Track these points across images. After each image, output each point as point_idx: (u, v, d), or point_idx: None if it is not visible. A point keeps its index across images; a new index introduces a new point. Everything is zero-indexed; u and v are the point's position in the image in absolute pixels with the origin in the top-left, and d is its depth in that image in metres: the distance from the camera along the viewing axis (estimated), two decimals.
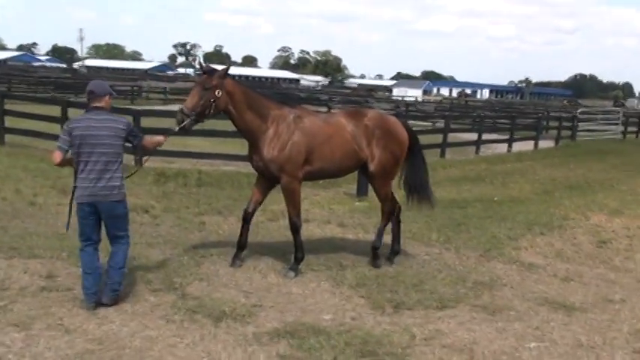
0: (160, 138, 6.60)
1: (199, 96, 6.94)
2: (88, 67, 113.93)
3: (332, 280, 7.50)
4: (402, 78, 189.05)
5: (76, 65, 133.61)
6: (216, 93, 7.01)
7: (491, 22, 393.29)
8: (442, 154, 20.74)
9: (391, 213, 8.44)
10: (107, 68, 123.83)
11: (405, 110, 37.20)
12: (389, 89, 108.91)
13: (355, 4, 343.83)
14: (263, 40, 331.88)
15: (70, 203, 6.13)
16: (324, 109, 40.96)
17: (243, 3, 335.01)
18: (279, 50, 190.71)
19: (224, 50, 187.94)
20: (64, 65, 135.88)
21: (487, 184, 16.11)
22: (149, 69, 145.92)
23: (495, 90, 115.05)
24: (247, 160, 7.84)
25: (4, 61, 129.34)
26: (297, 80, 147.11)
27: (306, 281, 7.42)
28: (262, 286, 7.15)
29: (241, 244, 7.81)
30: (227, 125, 8.88)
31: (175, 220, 10.00)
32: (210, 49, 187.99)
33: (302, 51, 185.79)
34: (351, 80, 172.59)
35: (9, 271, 6.85)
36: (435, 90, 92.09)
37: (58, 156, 5.93)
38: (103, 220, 6.03)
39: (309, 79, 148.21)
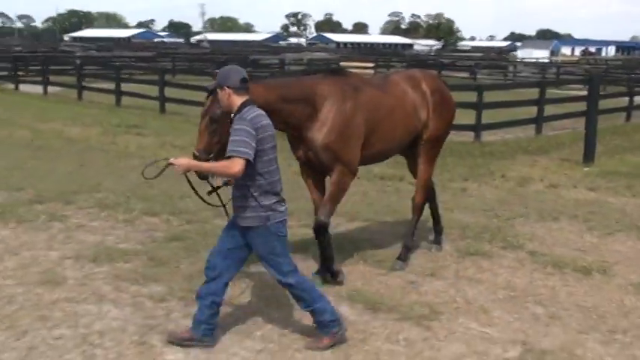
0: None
1: (210, 132, 5.08)
2: (210, 41, 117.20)
3: None
4: (515, 38, 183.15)
5: (195, 39, 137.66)
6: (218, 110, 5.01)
7: None
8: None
9: (433, 193, 7.40)
10: (225, 41, 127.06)
11: (557, 74, 36.61)
12: (504, 50, 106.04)
13: None
14: (371, 6, 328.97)
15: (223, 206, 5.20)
16: (466, 76, 41.09)
17: None
18: (389, 15, 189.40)
19: (334, 18, 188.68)
20: (182, 40, 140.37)
21: None
22: (263, 40, 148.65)
23: (621, 47, 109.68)
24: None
25: (129, 38, 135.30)
26: (411, 45, 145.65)
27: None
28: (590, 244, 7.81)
29: (326, 257, 6.16)
30: None
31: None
32: (320, 17, 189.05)
33: (413, 15, 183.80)
34: (463, 43, 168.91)
35: None
36: (562, 50, 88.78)
37: (242, 164, 4.49)
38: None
39: (422, 44, 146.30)
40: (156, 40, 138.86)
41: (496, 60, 57.60)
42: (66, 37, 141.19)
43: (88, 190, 9.30)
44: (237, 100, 4.68)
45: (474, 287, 6.22)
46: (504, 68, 44.37)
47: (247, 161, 4.47)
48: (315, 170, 6.14)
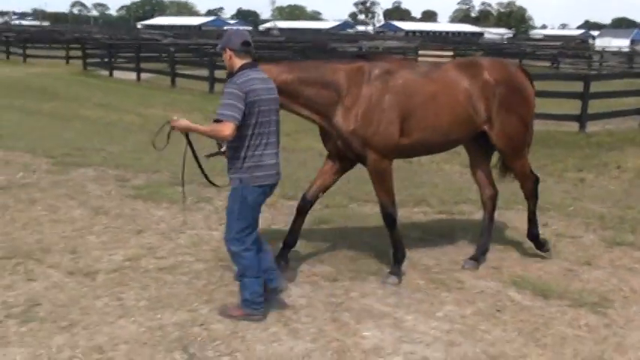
0: None
1: None
2: (281, 29, 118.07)
3: None
4: (590, 27, 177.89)
5: (264, 27, 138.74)
6: None
7: None
8: None
9: (535, 190, 6.66)
10: (293, 29, 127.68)
11: None
12: (584, 39, 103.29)
13: None
14: None
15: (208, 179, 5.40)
16: (548, 65, 40.24)
17: None
18: (458, 3, 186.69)
19: (403, 6, 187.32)
20: (250, 28, 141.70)
21: None
22: (331, 28, 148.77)
23: None
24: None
25: (199, 27, 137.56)
26: (481, 34, 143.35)
27: None
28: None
29: (290, 242, 6.12)
30: None
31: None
32: (389, 5, 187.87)
33: (483, 3, 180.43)
34: (535, 32, 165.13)
35: None
36: None
37: (231, 128, 4.65)
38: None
39: (493, 32, 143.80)
40: (225, 28, 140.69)
41: (577, 49, 56.18)
42: (139, 25, 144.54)
43: (219, 173, 9.59)
44: (238, 63, 4.84)
45: (636, 277, 6.21)
46: (588, 58, 43.17)
47: (237, 122, 4.61)
48: (345, 161, 6.00)
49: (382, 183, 5.82)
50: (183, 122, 4.82)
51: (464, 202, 8.64)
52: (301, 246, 6.50)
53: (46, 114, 16.82)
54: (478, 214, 7.32)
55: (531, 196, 6.66)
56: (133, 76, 26.86)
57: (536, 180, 6.68)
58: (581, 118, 15.54)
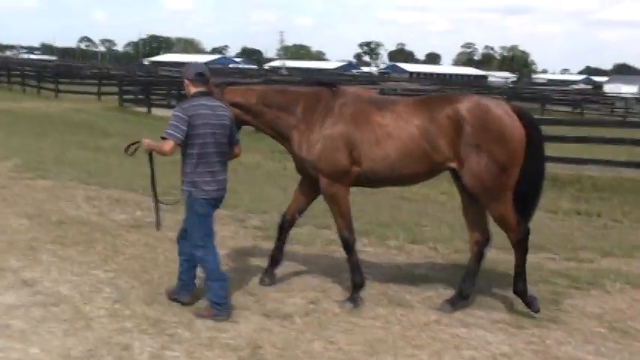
0: (238, 151, 5.92)
1: None
2: (288, 68, 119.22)
3: None
4: (591, 72, 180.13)
5: (269, 66, 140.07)
6: None
7: None
8: None
9: (523, 243, 6.09)
10: (298, 69, 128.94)
11: None
12: (597, 85, 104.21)
13: None
14: (443, 37, 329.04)
15: (156, 199, 5.90)
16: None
17: (415, 1, 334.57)
18: (462, 46, 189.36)
19: (407, 48, 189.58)
20: (255, 66, 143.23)
21: None
22: (335, 68, 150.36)
23: None
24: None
25: (206, 64, 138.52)
26: (485, 77, 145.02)
27: None
28: None
29: (275, 259, 6.62)
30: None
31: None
32: (393, 47, 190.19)
33: (486, 47, 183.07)
34: (538, 76, 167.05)
35: None
36: None
37: (170, 145, 5.33)
38: None
39: (497, 76, 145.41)
40: (231, 65, 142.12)
41: (592, 95, 56.78)
42: (145, 62, 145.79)
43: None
44: (192, 90, 5.60)
45: None
46: (611, 104, 43.62)
47: (178, 140, 5.31)
48: (310, 181, 6.29)
49: (335, 207, 6.10)
50: (145, 141, 5.54)
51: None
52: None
53: (108, 150, 16.89)
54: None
55: (516, 248, 6.10)
56: (169, 113, 26.96)
57: (524, 232, 6.06)
58: None
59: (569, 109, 42.52)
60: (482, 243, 6.26)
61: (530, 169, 5.97)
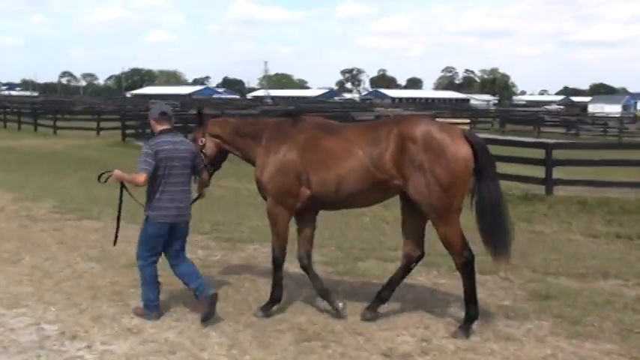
0: (205, 176, 6.79)
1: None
2: (273, 97, 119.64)
3: None
4: (569, 93, 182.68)
5: (252, 95, 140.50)
6: (200, 142, 6.88)
7: None
8: None
9: (468, 267, 6.11)
10: (282, 97, 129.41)
11: None
12: (581, 106, 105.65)
13: (507, 19, 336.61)
14: (423, 62, 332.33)
15: (119, 219, 6.75)
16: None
17: (392, 26, 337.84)
18: (442, 70, 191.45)
19: (388, 73, 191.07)
20: (238, 96, 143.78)
21: None
22: (317, 96, 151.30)
23: None
24: None
25: (190, 95, 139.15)
26: (467, 100, 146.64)
27: None
28: None
29: (322, 292, 6.76)
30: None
31: None
32: (374, 73, 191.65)
33: (467, 70, 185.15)
34: (518, 97, 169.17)
35: None
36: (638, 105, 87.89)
37: (142, 176, 6.08)
38: (171, 238, 6.38)
39: (478, 99, 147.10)
40: (214, 96, 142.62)
41: (579, 115, 57.51)
42: (127, 95, 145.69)
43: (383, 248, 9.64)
44: (157, 128, 6.36)
45: None
46: (603, 124, 44.15)
47: (149, 173, 6.06)
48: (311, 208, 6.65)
49: (274, 227, 6.58)
50: (117, 172, 6.25)
51: None
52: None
53: (131, 188, 16.67)
54: None
55: (461, 272, 6.15)
56: None
57: (468, 256, 6.08)
58: None
59: (563, 130, 43.02)
60: (412, 257, 6.50)
61: (483, 194, 6.11)
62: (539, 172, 15.47)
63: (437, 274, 8.33)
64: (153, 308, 6.39)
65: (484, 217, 6.13)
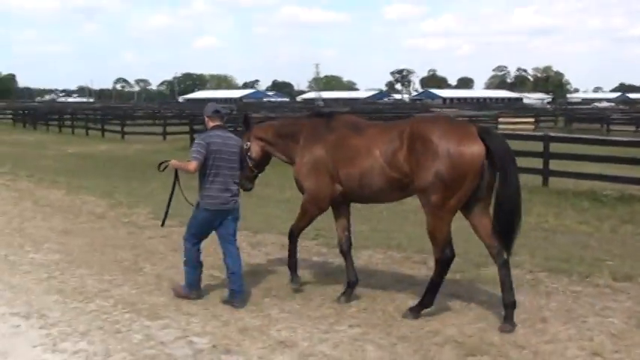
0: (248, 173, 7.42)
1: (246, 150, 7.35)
2: (324, 99, 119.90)
3: None
4: (625, 89, 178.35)
5: (302, 98, 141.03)
6: (245, 146, 7.24)
7: None
8: None
9: (444, 264, 6.37)
10: (332, 99, 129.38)
11: None
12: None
13: (555, 17, 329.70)
14: (474, 61, 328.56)
15: (169, 203, 7.42)
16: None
17: (440, 26, 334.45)
18: (494, 69, 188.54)
19: (438, 73, 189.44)
20: (288, 99, 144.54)
21: None
22: (367, 97, 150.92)
23: None
24: None
25: (241, 98, 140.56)
26: (519, 99, 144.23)
27: None
28: None
29: (351, 280, 7.14)
30: None
31: None
32: (424, 73, 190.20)
33: (519, 69, 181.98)
34: (573, 95, 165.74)
35: None
36: None
37: (194, 165, 6.69)
38: (220, 224, 6.93)
39: (532, 97, 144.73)
40: (264, 99, 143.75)
41: None
42: (180, 99, 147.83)
43: None
44: (210, 124, 6.96)
45: None
46: None
47: (200, 162, 6.64)
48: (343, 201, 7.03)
49: (302, 216, 7.07)
50: (173, 161, 7.00)
51: None
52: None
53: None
54: None
55: (436, 266, 6.41)
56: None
57: (448, 256, 6.32)
58: None
59: (633, 127, 41.88)
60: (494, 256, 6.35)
61: (503, 190, 6.10)
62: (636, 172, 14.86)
63: (568, 282, 7.92)
64: (193, 286, 7.02)
65: (500, 212, 6.15)
